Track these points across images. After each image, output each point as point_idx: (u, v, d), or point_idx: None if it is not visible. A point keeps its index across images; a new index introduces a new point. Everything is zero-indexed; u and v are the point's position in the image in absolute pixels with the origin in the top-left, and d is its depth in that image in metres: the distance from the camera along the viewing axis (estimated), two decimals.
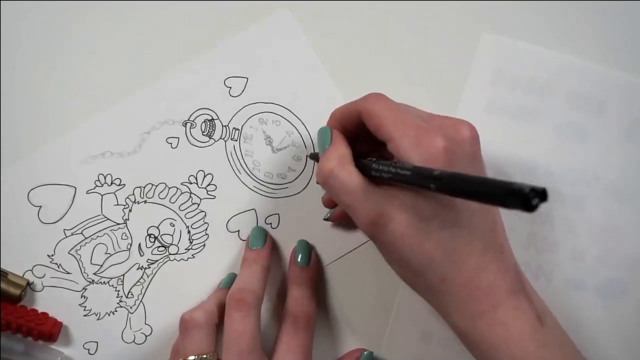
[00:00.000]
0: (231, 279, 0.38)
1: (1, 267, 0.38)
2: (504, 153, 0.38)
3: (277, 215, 0.39)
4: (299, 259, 0.38)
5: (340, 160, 0.30)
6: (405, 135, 0.29)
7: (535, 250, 0.38)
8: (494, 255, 0.29)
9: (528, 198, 0.21)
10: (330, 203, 0.38)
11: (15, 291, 0.37)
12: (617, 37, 0.38)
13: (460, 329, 0.30)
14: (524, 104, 0.38)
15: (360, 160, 0.31)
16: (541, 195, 0.21)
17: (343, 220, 0.38)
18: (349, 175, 0.30)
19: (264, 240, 0.38)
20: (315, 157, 0.38)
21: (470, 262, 0.29)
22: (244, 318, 0.32)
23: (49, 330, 0.37)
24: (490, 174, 0.37)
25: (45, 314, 0.38)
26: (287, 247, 0.39)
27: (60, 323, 0.38)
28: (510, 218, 0.34)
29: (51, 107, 0.39)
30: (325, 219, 0.38)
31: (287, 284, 0.37)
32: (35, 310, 0.38)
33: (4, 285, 0.37)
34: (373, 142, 0.32)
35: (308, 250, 0.38)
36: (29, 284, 0.38)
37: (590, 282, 0.38)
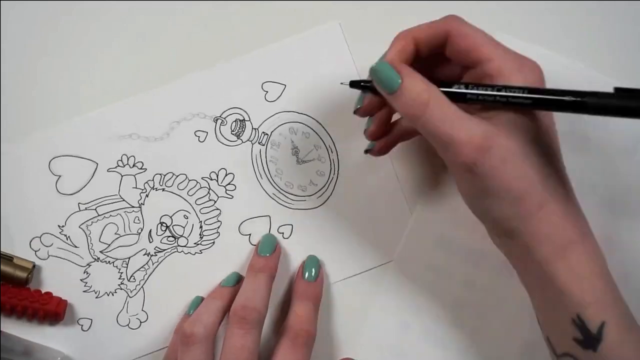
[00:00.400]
0: (234, 279, 0.37)
1: (1, 251, 0.38)
2: None
3: (290, 225, 0.39)
4: (306, 274, 0.37)
5: (429, 89, 0.29)
6: (506, 57, 0.29)
7: None
8: (573, 193, 0.30)
9: None
10: (375, 135, 0.35)
11: (22, 274, 0.37)
12: (630, 50, 0.39)
13: (547, 260, 0.29)
14: None
15: (443, 89, 0.30)
16: None
17: (384, 150, 0.36)
18: (444, 104, 0.28)
19: (273, 248, 0.38)
20: (356, 85, 0.32)
21: (563, 189, 0.30)
22: (245, 335, 0.32)
23: (54, 309, 0.37)
24: None
25: (49, 294, 0.38)
26: (296, 259, 0.39)
27: (65, 301, 0.38)
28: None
29: (90, 81, 0.39)
30: (367, 151, 0.36)
31: (292, 299, 0.37)
32: (38, 291, 0.38)
33: (10, 269, 0.37)
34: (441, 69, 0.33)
35: (317, 266, 0.38)
36: (34, 266, 0.38)
37: None
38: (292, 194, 0.39)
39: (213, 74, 0.39)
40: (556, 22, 0.39)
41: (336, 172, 0.39)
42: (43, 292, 0.38)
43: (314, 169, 0.39)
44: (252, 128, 0.39)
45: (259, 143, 0.39)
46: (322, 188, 0.39)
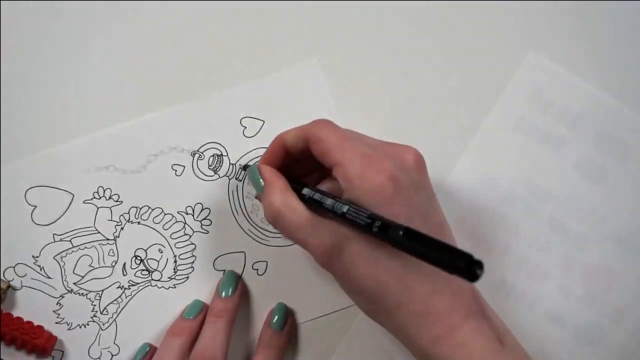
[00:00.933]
0: (196, 310, 0.37)
1: None
2: (519, 175, 0.38)
3: (265, 262, 0.39)
4: (274, 322, 0.37)
5: (282, 199, 0.31)
6: (351, 163, 0.29)
7: (526, 274, 0.38)
8: (446, 279, 0.29)
9: (472, 269, 0.23)
10: None
11: None
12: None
13: (421, 353, 0.30)
14: (551, 131, 0.38)
15: (297, 187, 0.32)
16: (480, 265, 0.23)
17: None
18: (296, 214, 0.30)
19: (234, 288, 0.37)
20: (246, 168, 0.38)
21: (423, 287, 0.29)
22: None
23: (43, 344, 0.37)
24: (500, 193, 0.38)
25: (40, 327, 0.38)
26: (269, 297, 0.39)
27: (55, 338, 0.38)
28: (507, 236, 0.36)
29: (68, 111, 0.39)
30: None
31: (256, 345, 0.37)
32: (30, 323, 0.38)
33: None
34: (314, 164, 0.32)
35: (286, 314, 0.38)
36: (9, 286, 0.38)
37: (571, 321, 0.38)
38: (267, 231, 0.39)
39: (192, 108, 0.39)
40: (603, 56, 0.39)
41: None
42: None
43: None
44: (230, 163, 0.39)
45: (236, 178, 0.39)
46: None
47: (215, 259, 0.39)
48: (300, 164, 0.34)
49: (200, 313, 0.37)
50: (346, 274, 0.29)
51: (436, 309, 0.29)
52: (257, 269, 0.39)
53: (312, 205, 0.31)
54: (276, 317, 0.37)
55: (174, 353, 0.35)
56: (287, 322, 0.37)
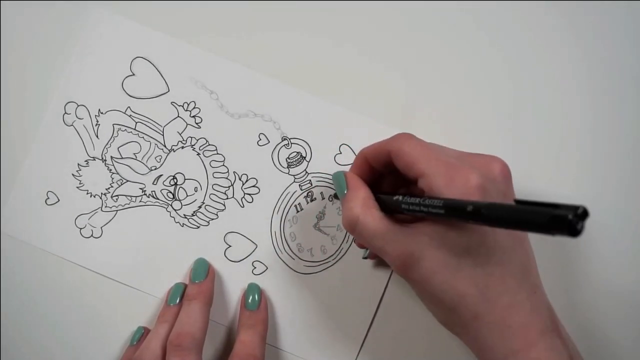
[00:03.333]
0: (177, 293, 0.38)
1: None
2: None
3: (266, 267, 0.39)
4: (249, 302, 0.38)
5: (363, 206, 0.31)
6: (438, 173, 0.29)
7: None
8: (527, 294, 0.29)
9: (573, 224, 0.20)
10: (363, 245, 0.37)
11: None
12: None
13: None
14: None
15: (385, 198, 0.31)
16: (582, 215, 0.20)
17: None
18: (374, 220, 0.30)
19: (206, 274, 0.38)
20: (337, 196, 0.38)
21: (503, 300, 0.28)
22: None
23: None
24: None
25: None
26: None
27: None
28: None
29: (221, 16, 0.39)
30: (365, 258, 0.38)
31: (237, 327, 0.38)
32: None
33: None
34: (400, 179, 0.32)
35: (258, 294, 0.38)
36: None
37: None
38: (288, 245, 0.39)
39: (317, 103, 0.39)
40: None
41: (336, 259, 0.39)
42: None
43: (322, 241, 0.39)
44: (305, 170, 0.39)
45: (299, 185, 0.39)
46: (314, 262, 0.39)
47: (229, 232, 0.39)
48: (385, 179, 0.34)
49: (182, 298, 0.38)
50: (425, 283, 0.29)
51: (514, 322, 0.28)
52: (255, 267, 0.39)
53: (397, 210, 0.30)
54: (250, 297, 0.38)
55: (160, 337, 0.35)
56: (261, 300, 0.38)
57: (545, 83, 0.38)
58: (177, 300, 0.38)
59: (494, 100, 0.38)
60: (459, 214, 0.26)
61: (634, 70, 0.38)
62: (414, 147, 0.30)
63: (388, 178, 0.35)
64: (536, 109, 0.38)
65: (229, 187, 0.39)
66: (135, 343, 0.38)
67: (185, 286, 0.38)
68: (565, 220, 0.20)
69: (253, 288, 0.38)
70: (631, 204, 0.38)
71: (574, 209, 0.20)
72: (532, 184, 0.38)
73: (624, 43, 0.38)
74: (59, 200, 0.39)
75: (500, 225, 0.24)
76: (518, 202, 0.24)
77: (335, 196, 0.39)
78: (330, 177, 0.39)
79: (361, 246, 0.37)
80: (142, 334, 0.39)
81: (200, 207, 0.39)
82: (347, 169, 0.39)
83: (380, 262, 0.39)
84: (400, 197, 0.30)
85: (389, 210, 0.31)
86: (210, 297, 0.37)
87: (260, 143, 0.39)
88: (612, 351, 0.38)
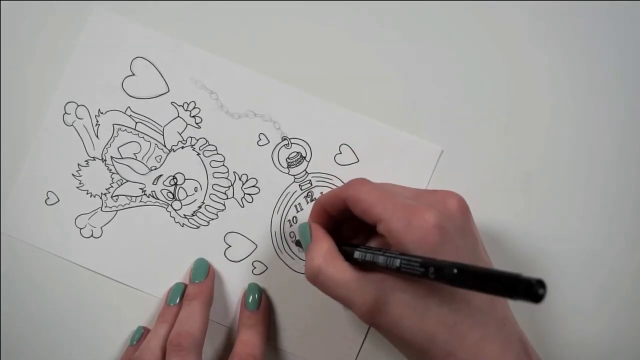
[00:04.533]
0: (176, 293, 0.38)
1: None
2: None
3: (266, 267, 0.39)
4: (249, 302, 0.38)
5: (325, 256, 0.31)
6: (394, 216, 0.29)
7: None
8: (496, 327, 0.29)
9: (534, 290, 0.21)
10: None
11: None
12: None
13: None
14: None
15: (346, 248, 0.32)
16: (542, 284, 0.21)
17: None
18: (337, 270, 0.30)
19: (205, 274, 0.38)
20: (299, 243, 0.38)
21: (474, 335, 0.28)
22: None
23: None
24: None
25: None
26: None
27: None
28: None
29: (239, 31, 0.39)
30: None
31: (237, 327, 0.38)
32: None
33: None
34: (360, 224, 0.32)
35: (259, 294, 0.38)
36: None
37: None
38: (288, 245, 0.39)
39: (317, 103, 0.39)
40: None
41: None
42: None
43: None
44: (305, 170, 0.39)
45: (299, 185, 0.39)
46: None
47: (228, 233, 0.39)
48: (346, 225, 0.35)
49: (182, 298, 0.38)
50: (394, 328, 0.29)
51: (486, 357, 0.28)
52: (255, 267, 0.39)
53: (366, 265, 0.30)
54: (250, 297, 0.38)
55: (159, 337, 0.36)
56: (261, 300, 0.38)
57: (545, 83, 0.38)
58: (177, 300, 0.38)
59: (494, 99, 0.38)
60: (419, 271, 0.26)
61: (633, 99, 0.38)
62: (369, 193, 0.31)
63: (347, 224, 0.35)
64: (535, 107, 0.38)
65: (229, 187, 0.39)
66: (134, 343, 0.38)
67: (185, 286, 0.38)
68: (529, 286, 0.21)
69: (253, 288, 0.38)
70: (600, 249, 0.38)
71: (533, 279, 0.21)
72: (500, 216, 0.38)
73: (620, 53, 0.38)
74: (59, 200, 0.39)
75: (461, 286, 0.24)
76: (459, 269, 0.24)
77: (297, 243, 0.39)
78: (330, 177, 0.39)
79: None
80: (142, 334, 0.39)
81: (200, 207, 0.39)
82: (347, 169, 0.39)
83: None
84: (362, 252, 0.30)
85: (353, 260, 0.31)
86: (210, 297, 0.37)
87: (260, 143, 0.39)
88: None
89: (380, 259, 0.29)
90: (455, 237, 0.29)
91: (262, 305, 0.38)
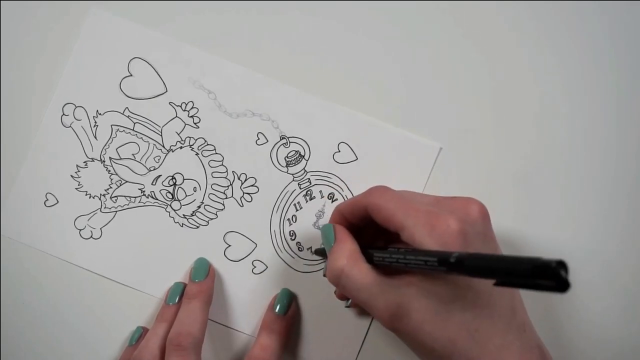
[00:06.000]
0: (175, 292, 0.38)
1: None
2: None
3: (265, 266, 0.39)
4: (277, 308, 0.38)
5: (349, 258, 0.31)
6: (417, 223, 0.29)
7: None
8: (517, 334, 0.29)
9: (556, 272, 0.19)
10: (343, 296, 0.37)
11: None
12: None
13: None
14: None
15: (370, 251, 0.31)
16: (564, 266, 0.20)
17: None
18: (360, 272, 0.30)
19: (206, 273, 0.38)
20: (320, 252, 0.38)
21: (494, 341, 0.28)
22: None
23: None
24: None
25: None
26: (261, 294, 0.39)
27: None
28: None
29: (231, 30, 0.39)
30: (347, 307, 0.37)
31: (259, 328, 0.38)
32: None
33: None
34: (378, 230, 0.32)
35: (290, 300, 0.38)
36: None
37: None
38: (287, 244, 0.39)
39: (315, 102, 0.39)
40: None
41: None
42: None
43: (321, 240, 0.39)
44: (303, 169, 0.39)
45: (298, 184, 0.39)
46: (314, 260, 0.39)
47: (228, 232, 0.39)
48: (365, 231, 0.34)
49: (181, 298, 0.38)
50: (415, 334, 0.29)
51: (515, 356, 0.28)
52: (255, 267, 0.39)
53: (389, 269, 0.30)
54: (279, 302, 0.38)
55: (159, 337, 0.36)
56: (290, 307, 0.38)
57: (545, 84, 0.38)
58: (177, 300, 0.38)
59: (493, 97, 0.38)
60: (442, 265, 0.26)
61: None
62: (390, 200, 0.31)
63: (366, 230, 0.34)
64: (534, 105, 0.38)
65: (228, 186, 0.39)
66: (134, 343, 0.38)
67: (185, 285, 0.38)
68: (549, 268, 0.20)
69: (286, 293, 0.38)
70: (620, 250, 0.38)
71: (555, 260, 0.20)
72: (517, 225, 0.38)
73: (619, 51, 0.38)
74: (58, 201, 0.39)
75: (484, 276, 0.24)
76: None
77: (317, 252, 0.38)
78: (329, 175, 0.39)
79: (341, 297, 0.37)
80: (141, 334, 0.39)
81: (199, 207, 0.39)
82: (346, 167, 0.39)
83: (362, 311, 0.38)
84: (384, 251, 0.30)
85: (375, 264, 0.31)
86: (210, 297, 0.37)
87: (258, 142, 0.39)
88: None
89: (398, 260, 0.29)
90: (477, 243, 0.29)
91: (290, 313, 0.38)
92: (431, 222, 0.28)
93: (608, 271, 0.38)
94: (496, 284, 0.23)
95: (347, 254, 0.31)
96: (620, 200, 0.38)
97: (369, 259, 0.31)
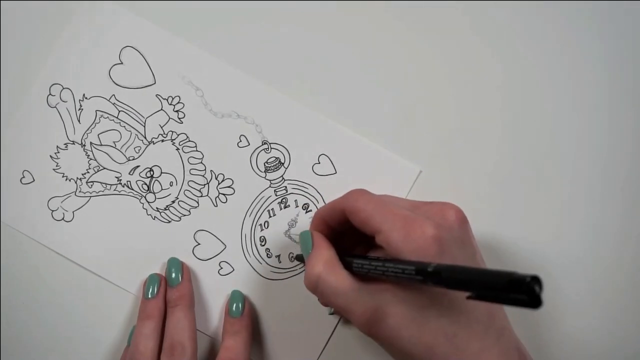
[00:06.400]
0: (153, 283, 0.38)
1: None
2: None
3: (232, 269, 0.39)
4: (232, 309, 0.38)
5: (325, 264, 0.31)
6: (393, 228, 0.29)
7: None
8: (495, 338, 0.29)
9: (532, 289, 0.20)
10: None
11: None
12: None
13: None
14: None
15: (347, 259, 0.31)
16: (537, 281, 0.20)
17: None
18: (337, 279, 0.30)
19: (181, 275, 0.38)
20: (300, 258, 0.38)
21: (472, 346, 0.28)
22: None
23: None
24: None
25: None
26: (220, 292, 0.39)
27: None
28: None
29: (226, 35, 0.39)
30: (331, 314, 0.38)
31: (222, 334, 0.38)
32: None
33: None
34: (360, 235, 0.32)
35: (242, 301, 0.38)
36: None
37: None
38: (256, 249, 0.39)
39: (301, 111, 0.39)
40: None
41: (303, 268, 0.39)
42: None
43: (291, 249, 0.39)
44: (282, 176, 0.39)
45: (274, 191, 0.39)
46: (281, 269, 0.39)
47: (199, 230, 0.39)
48: (346, 236, 0.34)
49: (160, 288, 0.38)
50: (393, 339, 0.29)
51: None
52: (222, 268, 0.39)
53: (366, 275, 0.30)
54: (234, 305, 0.38)
55: (146, 337, 0.36)
56: (245, 307, 0.38)
57: (541, 85, 0.38)
58: (156, 292, 0.37)
59: (486, 120, 0.38)
60: (417, 276, 0.26)
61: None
62: (367, 203, 0.31)
63: (347, 235, 0.35)
64: (528, 114, 0.38)
65: (204, 185, 0.39)
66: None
67: (160, 276, 0.38)
68: (523, 283, 0.20)
69: (237, 295, 0.38)
70: (592, 248, 0.38)
71: (529, 275, 0.20)
72: (495, 227, 0.38)
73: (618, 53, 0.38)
74: (34, 180, 0.39)
75: (460, 288, 0.24)
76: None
77: (297, 257, 0.39)
78: (307, 186, 0.39)
79: (325, 304, 0.37)
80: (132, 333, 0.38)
81: (173, 201, 0.39)
82: (324, 180, 0.39)
83: (347, 320, 0.38)
84: (361, 259, 0.30)
85: (354, 271, 0.31)
86: (192, 299, 0.37)
87: (240, 144, 0.39)
88: None
89: (376, 267, 0.29)
90: (454, 248, 0.29)
91: (245, 312, 0.38)
92: (407, 227, 0.28)
93: (591, 279, 0.38)
94: (469, 298, 0.23)
95: (324, 260, 0.31)
96: (607, 206, 0.38)
97: (347, 266, 0.31)
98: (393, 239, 0.28)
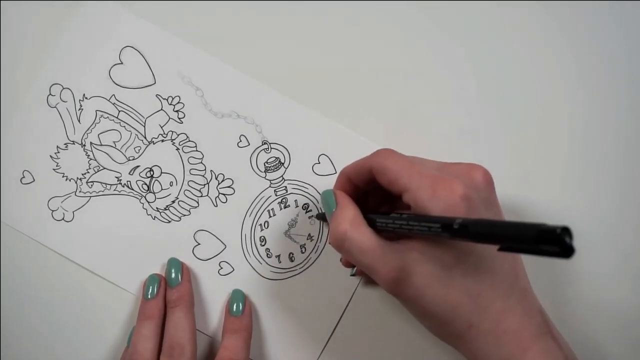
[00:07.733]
0: (153, 284, 0.38)
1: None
2: None
3: (232, 269, 0.39)
4: (233, 309, 0.38)
5: (351, 222, 0.30)
6: (421, 186, 0.28)
7: None
8: (518, 299, 0.29)
9: (562, 238, 0.19)
10: (349, 263, 0.37)
11: None
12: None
13: None
14: None
15: (372, 217, 0.31)
16: (568, 232, 0.20)
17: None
18: (363, 237, 0.29)
19: (181, 276, 0.38)
20: (321, 217, 0.38)
21: (496, 306, 0.28)
22: None
23: None
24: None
25: None
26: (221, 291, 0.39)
27: None
28: None
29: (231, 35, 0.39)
30: (353, 275, 0.38)
31: (222, 333, 0.38)
32: None
33: None
34: (384, 195, 0.32)
35: (243, 299, 0.38)
36: None
37: None
38: (256, 249, 0.39)
39: (301, 111, 0.39)
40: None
41: (303, 268, 0.39)
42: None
43: (291, 249, 0.39)
44: (282, 176, 0.39)
45: (274, 191, 0.39)
46: (281, 269, 0.39)
47: (199, 230, 0.39)
48: (369, 196, 0.34)
49: (160, 288, 0.38)
50: (417, 298, 0.29)
51: (508, 328, 0.28)
52: (222, 268, 0.39)
53: (392, 234, 0.30)
54: (234, 304, 0.38)
55: (145, 339, 0.36)
56: (245, 306, 0.38)
57: (538, 86, 0.38)
58: (156, 292, 0.37)
59: (482, 117, 0.38)
60: (445, 231, 0.25)
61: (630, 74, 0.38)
62: (396, 162, 0.30)
63: (372, 195, 0.34)
64: (524, 115, 0.38)
65: (204, 185, 0.39)
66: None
67: (160, 277, 0.38)
68: (553, 234, 0.20)
69: (237, 294, 0.38)
70: (621, 215, 0.38)
71: (559, 227, 0.20)
72: (519, 191, 0.38)
73: (619, 44, 0.38)
74: (34, 180, 0.39)
75: (488, 242, 0.23)
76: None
77: (318, 216, 0.38)
78: (306, 186, 0.39)
79: (347, 265, 0.37)
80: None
81: (173, 201, 0.39)
82: (324, 179, 0.39)
83: (369, 280, 0.38)
84: (386, 216, 0.30)
85: (377, 229, 0.31)
86: (191, 299, 0.37)
87: (240, 144, 0.39)
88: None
89: (400, 226, 0.28)
90: (481, 208, 0.29)
91: (245, 311, 0.38)
92: (435, 186, 0.28)
93: (609, 235, 0.38)
94: (500, 249, 0.23)
95: (350, 218, 0.30)
96: (623, 165, 0.38)
97: (371, 225, 0.31)
98: (421, 198, 0.28)
